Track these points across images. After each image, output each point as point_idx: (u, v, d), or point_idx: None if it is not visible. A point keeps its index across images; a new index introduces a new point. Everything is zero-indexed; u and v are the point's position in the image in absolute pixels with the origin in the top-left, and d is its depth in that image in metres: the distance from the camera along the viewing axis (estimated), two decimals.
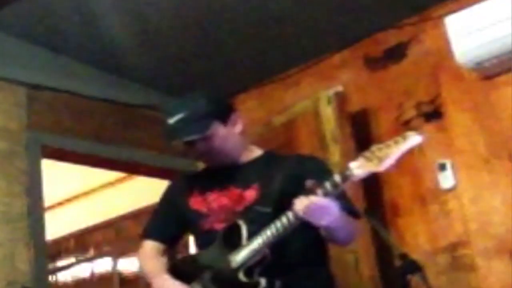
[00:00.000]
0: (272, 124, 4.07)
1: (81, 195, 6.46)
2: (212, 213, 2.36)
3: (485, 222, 3.42)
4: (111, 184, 6.13)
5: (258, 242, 2.18)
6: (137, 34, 3.80)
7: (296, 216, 2.11)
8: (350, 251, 3.57)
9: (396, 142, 2.02)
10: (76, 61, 4.03)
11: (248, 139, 2.54)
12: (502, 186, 3.39)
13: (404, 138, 2.02)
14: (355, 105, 3.93)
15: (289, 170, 2.32)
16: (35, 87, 3.84)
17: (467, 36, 3.34)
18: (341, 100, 3.83)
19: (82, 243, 6.63)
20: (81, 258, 6.61)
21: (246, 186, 2.34)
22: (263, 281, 2.17)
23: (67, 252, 6.71)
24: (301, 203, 2.08)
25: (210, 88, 4.28)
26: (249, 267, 2.19)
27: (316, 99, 3.85)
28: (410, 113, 3.76)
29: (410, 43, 3.83)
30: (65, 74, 3.99)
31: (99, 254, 6.46)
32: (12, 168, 3.63)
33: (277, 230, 2.15)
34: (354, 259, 3.56)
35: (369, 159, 2.02)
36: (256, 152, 2.48)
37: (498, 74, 3.45)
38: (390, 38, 3.91)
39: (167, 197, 2.58)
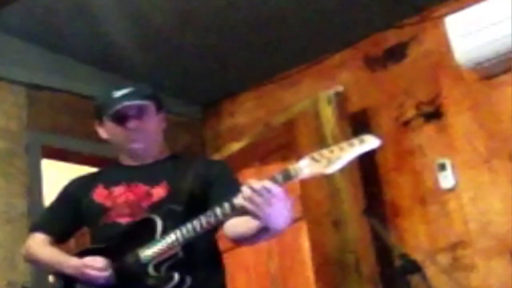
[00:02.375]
0: (272, 124, 4.07)
1: None
2: (116, 206, 2.36)
3: (485, 222, 3.42)
4: None
5: (172, 238, 2.16)
6: (137, 34, 3.80)
7: (233, 207, 2.04)
8: (350, 251, 3.57)
9: (351, 145, 1.96)
10: (76, 61, 4.03)
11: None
12: (502, 186, 3.39)
13: (361, 142, 1.96)
14: (355, 105, 3.92)
15: (197, 171, 2.35)
16: (35, 87, 3.84)
17: (467, 36, 3.34)
18: (341, 100, 3.83)
19: (82, 243, 6.60)
20: None
21: (154, 184, 2.34)
22: (176, 276, 2.17)
23: (67, 252, 6.68)
24: (247, 190, 1.98)
25: (210, 88, 4.34)
26: (158, 262, 2.18)
27: (316, 99, 3.84)
28: (410, 113, 3.76)
29: (410, 43, 3.84)
30: (65, 74, 3.99)
31: None
32: (12, 168, 3.63)
33: (194, 228, 2.13)
34: (354, 259, 3.55)
35: (316, 160, 1.95)
36: (164, 153, 2.50)
37: (498, 74, 3.45)
38: (390, 38, 3.91)
39: (66, 191, 2.55)
